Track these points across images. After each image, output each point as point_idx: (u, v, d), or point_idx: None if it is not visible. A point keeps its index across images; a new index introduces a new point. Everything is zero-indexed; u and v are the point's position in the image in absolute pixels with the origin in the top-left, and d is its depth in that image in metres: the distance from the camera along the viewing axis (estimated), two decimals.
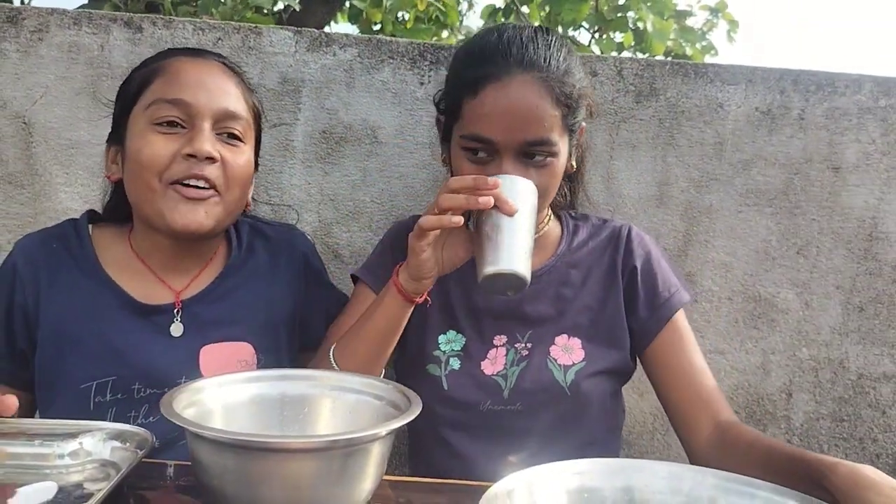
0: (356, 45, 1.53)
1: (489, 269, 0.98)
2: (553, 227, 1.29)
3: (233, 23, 1.51)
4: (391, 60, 1.53)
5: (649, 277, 1.24)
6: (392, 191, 1.56)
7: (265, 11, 4.00)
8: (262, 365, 1.16)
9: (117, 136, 1.14)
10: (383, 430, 0.75)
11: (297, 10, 3.10)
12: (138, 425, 0.92)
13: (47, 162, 1.49)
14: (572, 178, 1.32)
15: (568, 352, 1.20)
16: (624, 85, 1.54)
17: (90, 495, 0.78)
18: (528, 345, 1.21)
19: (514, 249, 0.99)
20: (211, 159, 1.07)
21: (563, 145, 1.12)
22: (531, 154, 1.09)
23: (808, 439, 1.64)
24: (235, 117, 1.11)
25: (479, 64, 1.10)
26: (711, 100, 1.54)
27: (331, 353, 1.12)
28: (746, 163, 1.55)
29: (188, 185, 1.07)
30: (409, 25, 4.48)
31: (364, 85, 1.53)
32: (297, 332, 1.26)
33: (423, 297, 1.10)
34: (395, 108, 1.54)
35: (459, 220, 1.00)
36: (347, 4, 4.85)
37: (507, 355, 1.21)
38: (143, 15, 1.50)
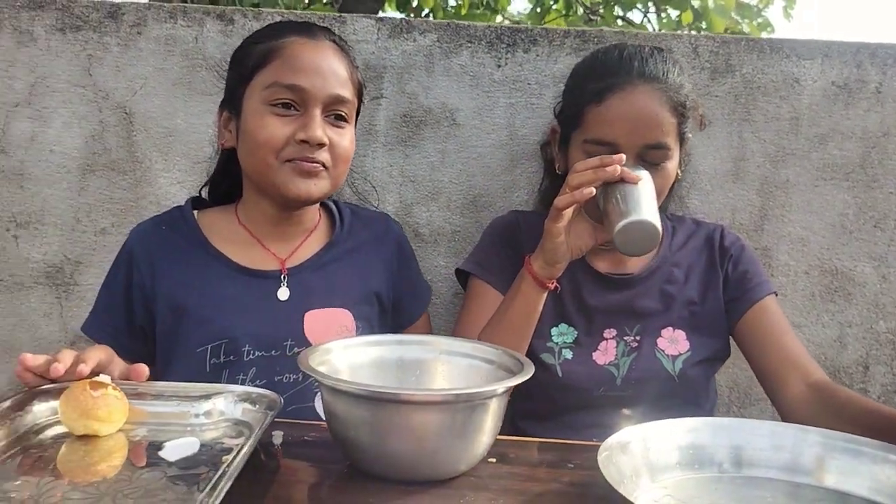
0: (435, 30, 1.58)
1: (622, 222, 1.06)
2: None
3: (318, 12, 1.57)
4: (469, 44, 1.58)
5: (743, 266, 1.35)
6: (470, 171, 1.62)
7: (323, 1, 4.09)
8: (360, 333, 1.23)
9: (231, 104, 1.23)
10: (500, 388, 0.81)
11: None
12: None
13: (147, 149, 1.58)
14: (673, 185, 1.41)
15: (674, 343, 1.31)
16: (699, 62, 1.56)
17: (230, 450, 0.85)
18: (637, 337, 1.31)
19: (643, 205, 1.07)
20: (322, 145, 1.15)
21: (676, 151, 1.23)
22: (649, 157, 1.19)
23: None
24: (343, 101, 1.19)
25: (602, 76, 1.23)
26: (787, 75, 1.56)
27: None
28: (823, 137, 1.56)
29: (302, 160, 1.15)
30: (464, 12, 4.51)
31: (443, 69, 1.58)
32: (388, 312, 1.34)
33: (554, 284, 1.19)
34: (472, 90, 1.59)
35: (591, 191, 1.08)
36: None
37: (617, 347, 1.31)
38: (235, 8, 1.57)
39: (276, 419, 1.00)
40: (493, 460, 0.88)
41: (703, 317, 1.33)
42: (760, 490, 0.80)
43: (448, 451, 0.80)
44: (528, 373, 0.83)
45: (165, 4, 1.56)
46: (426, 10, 4.89)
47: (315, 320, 1.22)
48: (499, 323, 1.21)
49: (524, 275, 1.18)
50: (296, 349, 1.18)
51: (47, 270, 1.61)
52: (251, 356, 1.18)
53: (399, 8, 4.99)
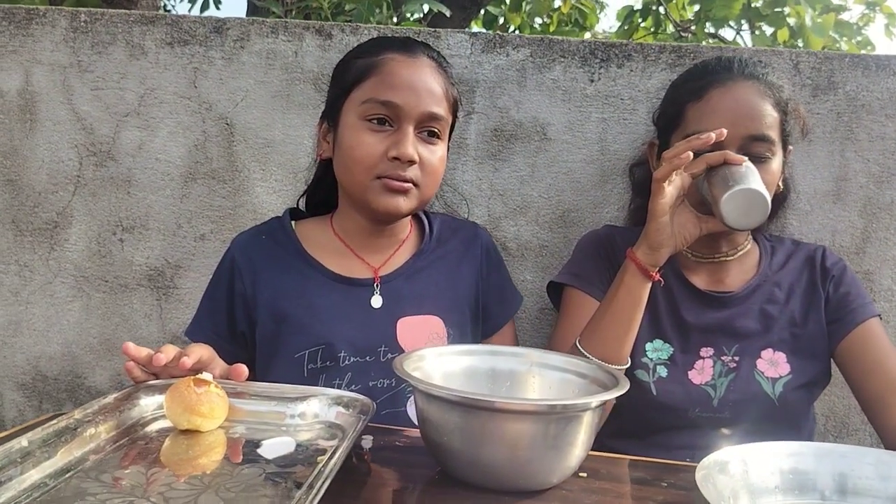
0: (528, 45, 1.59)
1: (730, 191, 1.02)
2: (753, 248, 1.37)
3: (413, 27, 1.60)
4: (562, 59, 1.58)
5: (845, 288, 1.31)
6: (559, 186, 1.61)
7: (410, 18, 4.16)
8: (451, 340, 1.25)
9: (331, 116, 1.27)
10: (595, 401, 0.80)
11: (447, 16, 3.20)
12: None
13: (246, 159, 1.64)
14: (776, 201, 1.33)
15: (773, 365, 1.27)
16: (801, 79, 1.52)
17: (324, 451, 0.87)
18: (736, 358, 1.28)
19: (750, 178, 1.04)
20: (412, 162, 1.18)
21: (779, 149, 1.21)
22: (752, 151, 1.16)
23: None
24: (437, 118, 1.21)
25: (703, 76, 1.25)
26: (894, 93, 1.50)
27: (577, 343, 1.18)
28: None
29: (392, 178, 1.18)
30: (551, 29, 4.51)
31: (535, 83, 1.59)
32: (479, 319, 1.35)
33: (658, 274, 1.15)
34: (564, 105, 1.59)
35: (689, 155, 1.06)
36: (482, 11, 4.94)
37: (714, 366, 1.28)
38: (333, 23, 1.62)
39: (372, 425, 1.02)
40: (585, 475, 0.87)
41: (805, 339, 1.29)
42: None
43: (540, 461, 0.80)
44: (624, 388, 0.82)
45: (267, 20, 1.62)
46: (513, 28, 4.92)
47: (407, 327, 1.24)
48: (601, 318, 1.18)
49: (627, 265, 1.16)
50: (389, 355, 1.21)
51: (149, 273, 1.68)
52: (347, 362, 1.21)
53: (486, 26, 5.03)
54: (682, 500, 0.82)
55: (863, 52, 4.42)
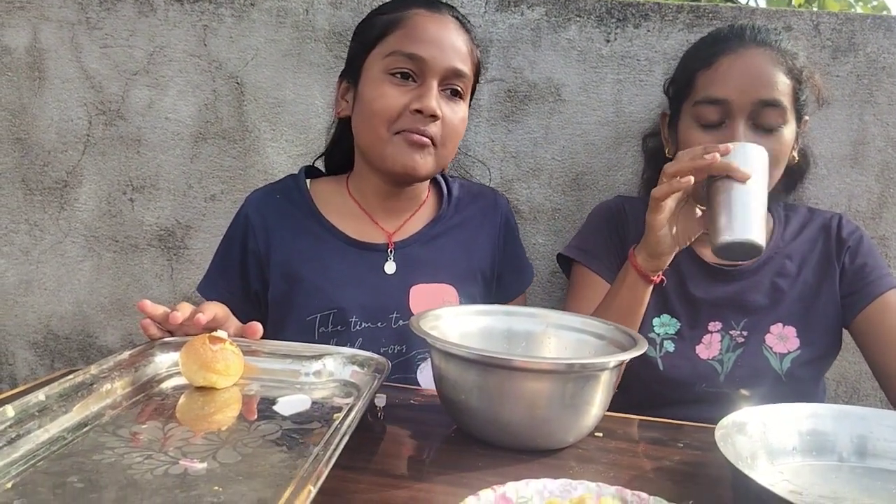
0: (544, 3, 1.56)
1: (724, 238, 0.98)
2: (766, 219, 1.29)
3: None
4: (578, 18, 1.55)
5: (861, 258, 1.27)
6: (573, 148, 1.59)
7: None
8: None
9: (351, 74, 1.24)
10: (613, 361, 0.79)
11: None
12: None
13: (257, 119, 1.62)
14: (792, 173, 1.32)
15: (783, 340, 1.25)
16: (820, 40, 1.49)
17: (340, 408, 0.87)
18: (744, 332, 1.26)
19: (749, 216, 0.98)
20: (434, 117, 1.15)
21: (791, 118, 1.17)
22: (762, 119, 1.15)
23: None
24: (461, 75, 1.18)
25: (713, 44, 1.22)
26: None
27: None
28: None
29: (412, 132, 1.15)
30: None
31: (550, 43, 1.56)
32: (492, 288, 1.34)
33: (660, 277, 1.13)
34: (579, 65, 1.56)
35: (689, 180, 1.01)
36: None
37: (721, 341, 1.26)
38: None
39: (396, 385, 1.02)
40: (601, 435, 0.87)
41: (816, 313, 1.27)
42: (884, 481, 0.77)
43: (557, 420, 0.80)
44: (642, 347, 0.82)
45: None
46: None
47: (420, 294, 1.23)
48: (605, 312, 1.15)
49: (628, 268, 1.13)
50: (401, 322, 1.20)
51: (160, 234, 1.68)
52: (358, 327, 1.20)
53: None
54: (699, 460, 0.82)
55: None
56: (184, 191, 1.66)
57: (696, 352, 1.26)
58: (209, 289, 1.28)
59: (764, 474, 0.75)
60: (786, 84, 1.16)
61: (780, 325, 1.26)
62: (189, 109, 1.63)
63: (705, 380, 1.25)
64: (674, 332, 1.28)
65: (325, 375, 0.96)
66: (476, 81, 1.27)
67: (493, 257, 1.33)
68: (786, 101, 1.16)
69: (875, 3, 4.45)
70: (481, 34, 1.56)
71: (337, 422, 0.81)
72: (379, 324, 1.20)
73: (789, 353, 1.25)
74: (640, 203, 1.37)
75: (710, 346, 1.26)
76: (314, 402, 0.89)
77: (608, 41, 1.55)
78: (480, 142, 1.61)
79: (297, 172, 1.33)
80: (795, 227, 1.33)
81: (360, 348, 1.18)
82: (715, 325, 1.27)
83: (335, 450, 0.69)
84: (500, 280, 1.35)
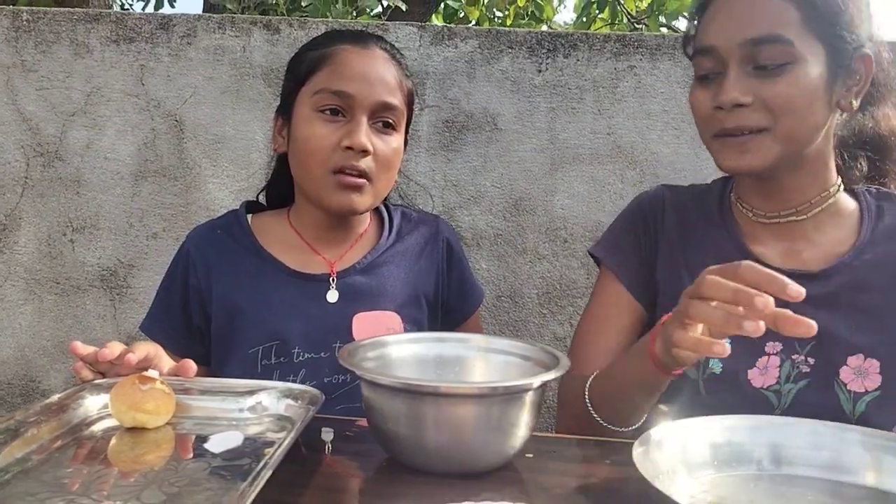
0: (476, 37, 1.60)
1: None
2: (847, 205, 1.07)
3: (361, 21, 1.60)
4: (510, 50, 1.59)
5: None
6: (511, 175, 1.63)
7: (369, 12, 4.15)
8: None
9: (285, 110, 1.26)
10: (536, 381, 0.81)
11: (403, 10, 3.20)
12: None
13: (197, 156, 1.63)
14: (873, 143, 1.07)
15: (861, 376, 1.00)
16: None
17: (272, 443, 0.87)
18: (811, 360, 1.01)
19: None
20: (365, 152, 1.17)
21: (807, 51, 0.94)
22: (761, 60, 0.94)
23: None
24: (391, 108, 1.20)
25: None
26: None
27: (586, 393, 1.02)
28: None
29: (345, 173, 1.17)
30: (509, 22, 4.53)
31: (484, 75, 1.60)
32: (439, 313, 1.35)
33: (680, 372, 0.92)
34: (513, 95, 1.60)
35: (725, 350, 0.78)
36: (442, 5, 4.95)
37: (780, 367, 1.02)
38: (281, 18, 1.62)
39: (324, 417, 1.02)
40: (531, 455, 0.89)
41: None
42: (800, 488, 0.79)
43: (485, 444, 0.81)
44: (564, 367, 0.83)
45: (214, 16, 1.61)
46: (473, 21, 4.93)
47: (363, 323, 1.24)
48: (612, 379, 1.00)
49: (645, 353, 0.91)
50: None
51: (102, 274, 1.67)
52: (301, 357, 1.20)
53: (446, 20, 5.03)
54: (625, 476, 0.83)
55: None
56: (125, 230, 1.65)
57: (749, 377, 1.02)
58: (152, 327, 1.28)
59: (683, 488, 0.77)
60: (786, 10, 0.94)
61: (860, 356, 1.00)
62: (128, 148, 1.63)
63: (756, 413, 0.94)
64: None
65: (260, 410, 0.96)
66: (410, 111, 1.29)
67: (438, 283, 1.35)
68: (789, 33, 0.93)
69: None
70: (417, 67, 1.60)
71: (267, 457, 0.81)
72: (322, 353, 1.21)
73: (867, 392, 0.99)
74: (684, 192, 1.19)
75: (765, 372, 1.02)
76: (247, 438, 0.89)
77: (540, 71, 1.59)
78: (421, 171, 1.63)
79: (238, 207, 1.34)
80: (892, 224, 1.04)
81: (303, 379, 1.20)
82: (774, 346, 1.02)
83: (258, 483, 0.70)
84: (446, 305, 1.37)
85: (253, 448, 0.86)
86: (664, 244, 1.13)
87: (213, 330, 1.25)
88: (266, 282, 1.24)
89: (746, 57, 0.95)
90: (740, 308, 0.75)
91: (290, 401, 0.96)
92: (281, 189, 1.36)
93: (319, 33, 1.58)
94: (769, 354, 1.02)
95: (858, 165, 1.06)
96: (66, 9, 1.65)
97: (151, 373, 0.93)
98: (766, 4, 0.95)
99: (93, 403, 0.95)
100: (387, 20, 4.01)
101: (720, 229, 1.09)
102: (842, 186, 1.05)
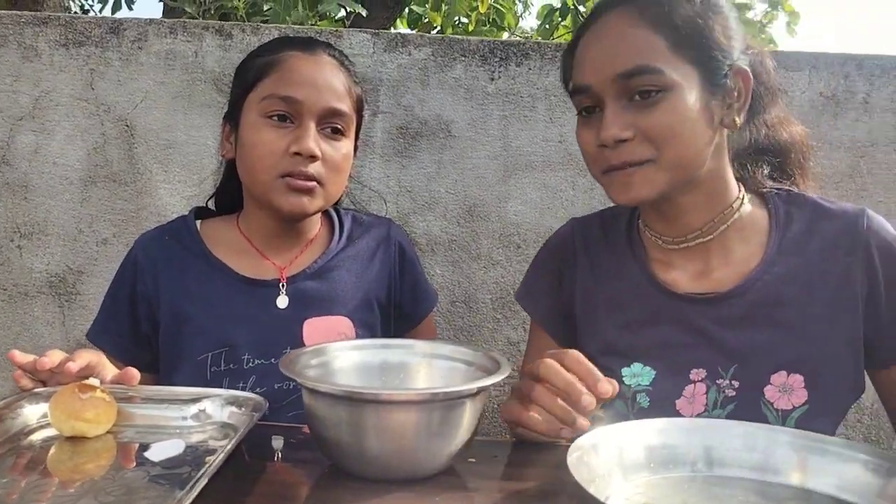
0: (430, 44, 1.61)
1: None
2: (755, 216, 1.04)
3: (315, 27, 1.60)
4: (463, 58, 1.61)
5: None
6: (465, 181, 1.64)
7: (331, 17, 4.14)
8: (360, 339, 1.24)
9: (233, 116, 1.25)
10: (475, 387, 0.82)
11: (364, 15, 3.21)
12: None
13: (148, 161, 1.61)
14: (773, 148, 1.06)
15: (787, 393, 0.98)
16: None
17: (214, 450, 0.87)
18: (735, 383, 0.99)
19: None
20: (314, 157, 1.17)
21: (679, 77, 0.92)
22: (635, 93, 0.93)
23: (879, 419, 1.65)
24: (339, 114, 1.20)
25: (582, 24, 1.02)
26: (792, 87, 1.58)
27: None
28: (812, 147, 1.58)
29: (295, 177, 1.17)
30: (470, 28, 4.55)
31: (437, 82, 1.61)
32: (391, 318, 1.35)
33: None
34: (467, 102, 1.62)
35: (570, 434, 0.83)
36: (407, 10, 4.96)
37: (706, 393, 1.00)
38: (233, 23, 1.61)
39: (273, 424, 1.02)
40: (473, 460, 0.90)
41: (832, 353, 0.98)
42: (732, 489, 0.81)
43: (426, 450, 0.82)
44: (504, 372, 0.85)
45: (166, 20, 1.60)
46: (437, 27, 4.94)
47: (314, 328, 1.23)
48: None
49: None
50: None
51: (50, 280, 1.64)
52: (251, 364, 1.20)
53: (410, 25, 5.03)
54: (565, 479, 0.84)
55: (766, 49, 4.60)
56: (74, 236, 1.63)
57: (677, 408, 1.01)
58: (99, 334, 1.27)
59: (619, 491, 0.79)
60: (654, 41, 0.92)
61: (783, 373, 0.98)
62: (77, 153, 1.61)
63: None
64: (648, 384, 1.02)
65: (204, 418, 0.96)
66: (360, 117, 1.30)
67: (390, 287, 1.35)
68: (659, 62, 0.92)
69: (763, 37, 4.73)
70: (371, 74, 1.60)
71: (208, 465, 0.81)
72: (272, 360, 1.20)
73: (795, 408, 0.98)
74: (593, 220, 1.18)
75: (693, 401, 1.00)
76: (189, 446, 0.88)
77: (493, 79, 1.61)
78: (376, 177, 1.64)
79: (186, 214, 1.33)
80: (801, 231, 1.02)
81: (252, 386, 1.19)
82: (698, 374, 1.01)
83: (194, 490, 0.70)
84: (399, 308, 1.37)
85: (194, 456, 0.86)
86: (579, 282, 1.12)
87: (162, 337, 1.24)
88: (215, 288, 1.23)
89: (621, 91, 0.94)
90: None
91: (233, 408, 0.96)
92: (230, 195, 1.36)
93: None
94: (694, 382, 1.01)
95: (760, 171, 1.05)
96: (14, 11, 1.62)
97: (92, 381, 0.93)
98: (631, 37, 0.94)
99: (32, 412, 0.94)
100: (349, 25, 4.02)
101: (629, 259, 1.08)
102: (745, 198, 1.04)
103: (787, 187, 1.06)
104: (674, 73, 0.92)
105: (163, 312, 1.23)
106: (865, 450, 0.80)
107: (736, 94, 0.96)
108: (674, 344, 1.02)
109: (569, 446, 0.78)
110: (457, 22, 5.15)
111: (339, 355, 0.96)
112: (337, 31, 1.60)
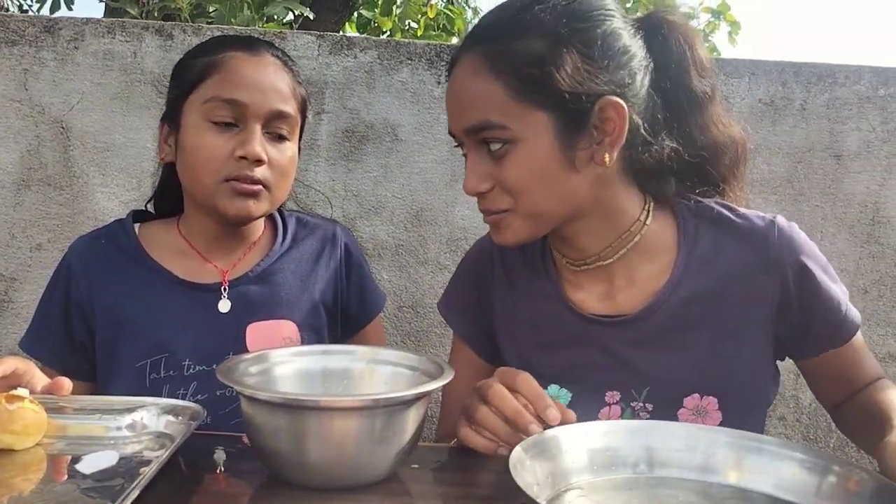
0: (376, 47, 1.60)
1: None
2: (661, 234, 1.01)
3: (258, 28, 1.58)
4: (409, 62, 1.60)
5: (813, 285, 0.97)
6: (412, 185, 1.63)
7: (279, 20, 4.10)
8: (306, 343, 1.23)
9: (171, 118, 1.20)
10: (419, 391, 0.81)
11: (311, 18, 3.18)
12: None
13: (84, 164, 1.57)
14: (708, 150, 1.00)
15: (701, 415, 0.97)
16: None
17: (149, 461, 0.84)
18: (649, 405, 0.98)
19: None
20: (259, 161, 1.14)
21: (525, 128, 0.89)
22: (488, 144, 0.91)
23: (817, 418, 1.69)
24: (285, 117, 1.17)
25: (448, 67, 0.99)
26: (731, 94, 1.61)
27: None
28: (751, 153, 1.60)
29: (240, 181, 1.13)
30: (419, 33, 4.56)
31: (384, 85, 1.60)
32: (338, 320, 1.32)
33: None
34: (414, 106, 1.61)
35: (506, 450, 0.80)
36: (356, 14, 4.94)
37: (622, 416, 1.00)
38: (174, 23, 1.58)
39: (212, 434, 0.99)
40: (416, 466, 0.89)
41: (745, 369, 0.98)
42: (673, 489, 0.82)
43: (369, 456, 0.80)
44: (448, 377, 0.84)
45: (104, 19, 1.55)
46: (386, 31, 4.94)
47: (257, 333, 1.21)
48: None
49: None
50: None
51: None
52: (191, 370, 1.17)
53: (360, 29, 5.01)
54: (508, 483, 0.84)
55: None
56: (7, 241, 1.57)
57: None
58: (33, 343, 1.22)
59: (561, 493, 0.79)
60: (496, 91, 0.89)
61: (696, 395, 0.97)
62: (10, 156, 1.56)
63: None
64: (566, 406, 0.96)
65: (139, 428, 0.93)
66: (304, 119, 1.27)
67: (336, 289, 1.32)
68: (498, 116, 0.89)
69: (707, 45, 4.84)
70: (316, 76, 1.59)
71: (141, 477, 0.79)
72: (214, 366, 1.17)
73: None
74: None
75: None
76: (122, 458, 0.85)
77: (439, 83, 1.60)
78: (321, 181, 1.62)
79: (124, 217, 1.29)
80: (708, 247, 0.99)
81: (194, 393, 1.16)
82: (613, 396, 1.00)
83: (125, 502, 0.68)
84: (346, 311, 1.34)
85: (128, 468, 0.83)
86: (497, 299, 1.10)
87: (98, 344, 1.20)
88: (153, 292, 1.20)
89: (475, 142, 0.92)
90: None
91: (170, 417, 0.93)
92: (170, 198, 1.32)
93: None
94: (609, 404, 1.00)
95: (670, 186, 1.00)
96: None
97: (20, 391, 0.89)
98: (474, 88, 0.90)
99: None
100: (298, 28, 3.98)
101: (543, 279, 1.06)
102: (650, 217, 0.99)
103: (696, 197, 1.01)
104: (519, 125, 0.89)
105: (98, 319, 1.19)
106: (801, 448, 0.82)
107: (610, 127, 0.91)
108: (588, 366, 1.01)
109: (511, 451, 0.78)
110: (406, 27, 5.15)
111: (280, 362, 0.94)
112: (281, 32, 1.58)
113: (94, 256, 1.23)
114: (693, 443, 0.86)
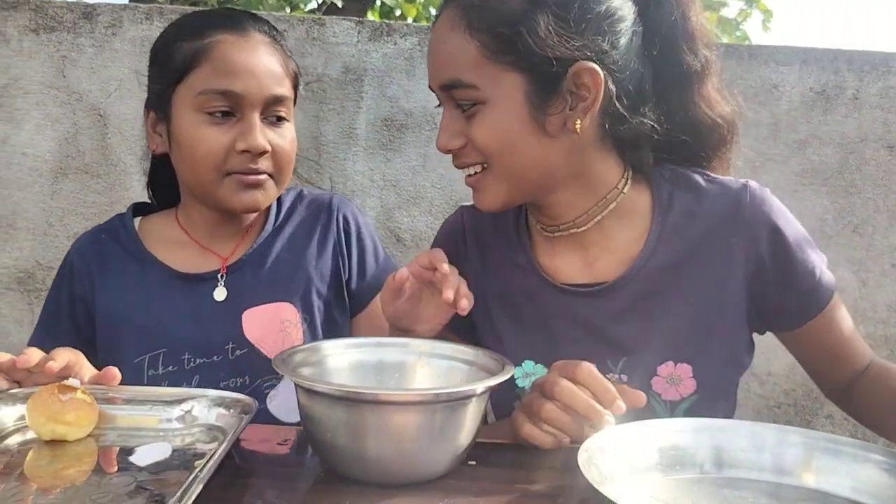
0: (416, 33, 1.57)
1: None
2: (638, 201, 1.00)
3: (297, 14, 1.56)
4: None
5: (787, 253, 0.95)
6: (451, 175, 1.61)
7: (304, 8, 4.08)
8: (307, 325, 1.18)
9: (159, 106, 1.15)
10: (480, 387, 0.79)
11: (339, 6, 3.16)
12: None
13: (121, 153, 1.56)
14: (690, 128, 0.98)
15: (675, 383, 0.96)
16: None
17: (203, 454, 0.83)
18: (624, 377, 0.97)
19: None
20: (263, 153, 1.10)
21: (495, 90, 0.89)
22: (459, 102, 0.92)
23: None
24: (281, 100, 1.12)
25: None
26: (766, 81, 1.57)
27: None
28: (801, 143, 1.57)
29: (245, 174, 1.10)
30: None
31: (423, 72, 1.56)
32: (344, 295, 1.26)
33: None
34: None
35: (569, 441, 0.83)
36: (379, 2, 4.91)
37: None
38: (211, 9, 1.55)
39: (259, 424, 0.98)
40: (473, 463, 0.87)
41: (719, 338, 0.97)
42: (742, 491, 0.79)
43: (427, 452, 0.79)
44: (508, 373, 0.82)
45: (141, 5, 1.54)
46: (410, 19, 4.90)
47: (253, 319, 1.17)
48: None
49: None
50: (238, 352, 1.14)
51: (19, 276, 1.58)
52: (192, 364, 1.14)
53: (382, 17, 4.99)
54: (569, 482, 0.82)
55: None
56: (44, 230, 1.57)
57: None
58: (42, 340, 1.16)
59: (628, 492, 0.76)
60: (467, 50, 0.89)
61: (670, 363, 0.96)
62: (48, 144, 1.55)
63: None
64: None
65: (189, 420, 0.91)
66: (296, 93, 1.21)
67: (337, 264, 1.25)
68: (472, 74, 0.89)
69: (738, 34, 4.78)
70: (355, 63, 1.56)
71: (197, 469, 0.77)
72: (215, 357, 1.14)
73: (683, 399, 0.96)
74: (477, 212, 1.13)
75: None
76: (175, 450, 0.84)
77: None
78: (360, 171, 1.60)
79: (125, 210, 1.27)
80: (682, 214, 0.98)
81: (197, 387, 1.12)
82: None
83: (189, 498, 0.66)
84: (349, 286, 1.26)
85: (182, 460, 0.82)
86: (472, 274, 1.07)
87: (99, 340, 1.18)
88: (150, 287, 1.17)
89: (448, 99, 0.93)
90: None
91: (221, 409, 0.92)
92: (165, 189, 1.26)
93: None
94: None
95: (647, 157, 0.99)
96: None
97: (72, 382, 0.88)
98: (449, 45, 0.90)
99: (8, 415, 0.89)
100: (322, 14, 3.96)
101: (516, 249, 1.05)
102: (628, 184, 0.99)
103: (672, 167, 1.01)
104: (489, 86, 0.88)
105: (99, 314, 1.18)
106: (880, 451, 0.79)
107: (583, 94, 0.89)
108: (564, 339, 1.00)
109: (574, 448, 0.76)
110: (430, 15, 5.11)
111: (336, 354, 0.93)
112: (320, 19, 1.56)
113: (94, 253, 1.21)
114: (760, 443, 0.84)
